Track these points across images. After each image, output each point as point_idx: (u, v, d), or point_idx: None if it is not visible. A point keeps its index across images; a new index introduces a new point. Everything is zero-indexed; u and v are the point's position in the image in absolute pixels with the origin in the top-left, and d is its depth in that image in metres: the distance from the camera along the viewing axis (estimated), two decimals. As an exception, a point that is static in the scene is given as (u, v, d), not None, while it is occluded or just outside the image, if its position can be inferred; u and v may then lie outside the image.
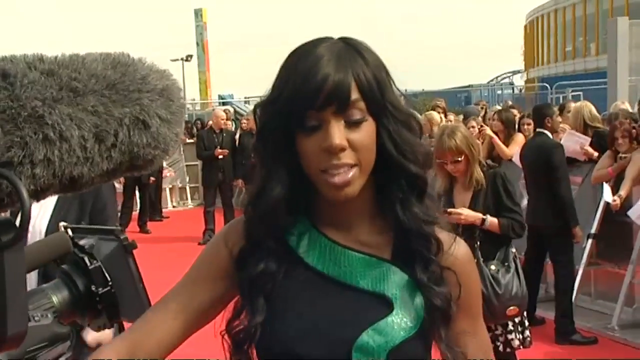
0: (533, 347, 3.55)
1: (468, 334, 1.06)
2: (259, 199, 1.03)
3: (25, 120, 0.61)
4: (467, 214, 3.30)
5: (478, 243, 3.28)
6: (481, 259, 3.25)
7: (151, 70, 0.71)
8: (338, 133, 0.96)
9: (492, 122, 6.84)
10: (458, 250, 1.06)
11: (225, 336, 1.06)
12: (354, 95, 0.97)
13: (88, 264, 0.87)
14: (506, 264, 3.34)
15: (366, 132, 0.99)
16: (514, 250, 3.44)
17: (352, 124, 0.98)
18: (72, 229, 0.91)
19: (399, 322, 0.99)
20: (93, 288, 0.87)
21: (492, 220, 3.32)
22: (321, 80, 0.96)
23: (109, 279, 0.88)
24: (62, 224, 0.99)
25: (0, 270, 0.62)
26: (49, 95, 0.63)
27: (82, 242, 0.90)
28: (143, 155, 0.70)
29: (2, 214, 0.65)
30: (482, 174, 3.35)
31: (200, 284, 1.07)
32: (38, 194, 0.65)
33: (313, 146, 0.97)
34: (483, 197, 3.35)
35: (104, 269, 0.88)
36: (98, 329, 0.91)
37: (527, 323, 3.47)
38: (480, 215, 3.32)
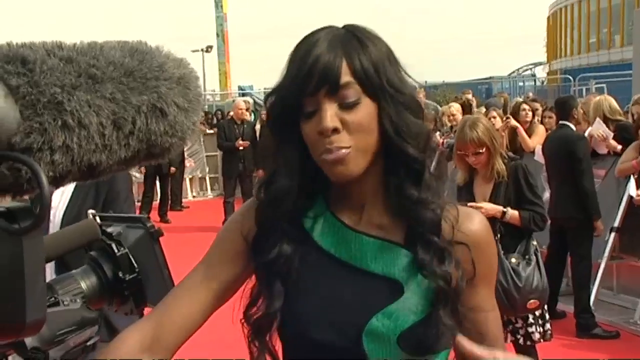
0: (554, 340, 3.53)
1: (484, 308, 1.07)
2: (269, 184, 1.05)
3: (45, 107, 0.61)
4: (488, 207, 3.26)
5: (498, 236, 3.24)
6: (501, 252, 3.22)
7: (168, 59, 0.72)
8: (330, 115, 0.97)
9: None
10: (470, 224, 1.06)
11: (245, 323, 1.06)
12: (346, 76, 0.98)
13: (115, 250, 0.88)
14: (527, 256, 3.31)
15: (363, 114, 0.99)
16: (535, 243, 3.40)
17: (346, 106, 0.98)
18: (101, 217, 0.92)
19: (409, 306, 0.99)
20: (120, 274, 0.88)
21: (512, 213, 3.29)
22: (312, 64, 0.98)
23: (135, 265, 0.89)
24: (90, 211, 1.00)
25: (19, 256, 0.62)
26: (67, 81, 0.63)
27: (109, 230, 0.91)
28: (160, 143, 0.70)
29: (19, 202, 0.65)
30: (503, 165, 3.31)
31: (218, 264, 1.08)
32: (57, 181, 0.65)
33: (311, 131, 0.99)
34: (504, 189, 3.32)
35: (130, 256, 0.89)
36: (125, 314, 0.92)
37: (547, 316, 3.44)
38: (500, 208, 3.29)
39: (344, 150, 0.98)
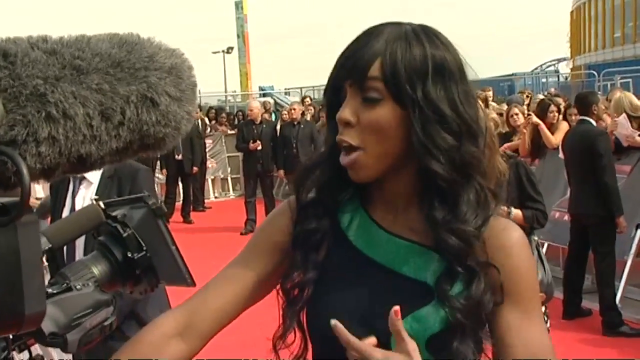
0: (580, 338, 3.48)
1: (514, 330, 0.99)
2: (313, 165, 1.08)
3: (28, 99, 0.61)
4: None
5: None
6: None
7: (160, 49, 0.71)
8: (348, 107, 0.98)
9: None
10: (504, 236, 1.02)
11: (281, 293, 1.08)
12: (373, 72, 0.97)
13: (122, 232, 0.90)
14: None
15: (381, 115, 0.97)
16: (535, 238, 3.38)
17: (367, 102, 0.98)
18: (104, 203, 0.93)
19: (439, 312, 0.98)
20: (129, 254, 0.89)
21: (516, 213, 3.25)
22: (350, 53, 0.99)
23: (142, 244, 0.90)
24: (93, 196, 1.02)
25: (15, 249, 0.62)
26: (51, 73, 0.63)
27: (114, 213, 0.92)
28: (154, 133, 0.70)
29: (9, 197, 0.65)
30: (504, 164, 3.25)
31: (257, 256, 1.09)
32: (46, 173, 0.65)
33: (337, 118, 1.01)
34: (505, 187, 3.23)
35: (137, 235, 0.90)
36: (140, 294, 0.93)
37: (546, 309, 3.40)
38: (504, 208, 3.23)
39: (354, 155, 0.98)
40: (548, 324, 3.35)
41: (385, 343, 0.97)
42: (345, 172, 1.02)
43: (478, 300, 0.97)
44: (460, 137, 0.98)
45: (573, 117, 6.07)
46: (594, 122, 4.94)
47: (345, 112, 0.98)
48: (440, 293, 0.98)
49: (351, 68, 0.98)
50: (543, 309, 3.31)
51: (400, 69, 0.97)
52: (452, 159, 0.97)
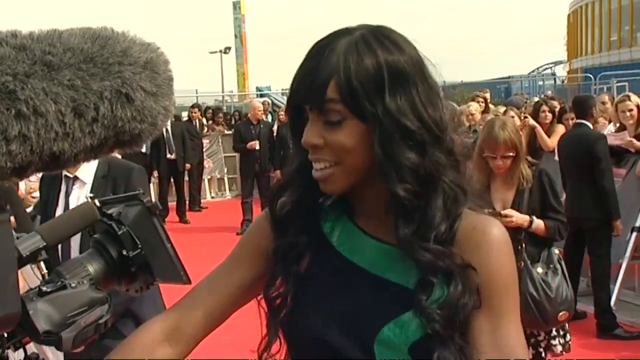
0: (574, 341, 3.48)
1: (486, 333, 0.95)
2: (285, 184, 1.06)
3: None
4: (518, 217, 3.08)
5: (523, 245, 3.08)
6: (528, 262, 3.08)
7: (134, 43, 0.70)
8: (310, 131, 0.96)
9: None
10: (483, 232, 0.98)
11: (263, 302, 1.07)
12: (330, 94, 0.93)
13: (117, 230, 0.89)
14: (552, 265, 3.14)
15: (347, 134, 0.95)
16: (557, 251, 3.24)
17: (330, 124, 0.95)
18: (100, 201, 0.93)
19: (418, 319, 0.96)
20: (124, 252, 0.89)
21: (538, 223, 3.11)
22: (301, 77, 0.96)
23: (137, 241, 0.90)
24: (88, 194, 1.01)
25: None
26: (20, 69, 0.62)
27: (110, 211, 0.92)
28: (129, 129, 0.69)
29: None
30: (529, 170, 3.13)
31: (243, 261, 1.09)
32: (19, 171, 0.64)
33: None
34: (527, 196, 3.12)
35: (132, 233, 0.89)
36: (136, 292, 0.93)
37: (567, 326, 3.31)
38: (527, 217, 3.11)
39: (326, 170, 0.97)
40: (568, 337, 3.26)
41: (369, 348, 0.97)
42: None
43: (456, 305, 0.94)
44: (425, 147, 0.95)
45: (570, 122, 6.06)
46: (591, 126, 4.95)
47: (310, 137, 0.96)
48: (416, 303, 0.96)
49: (307, 93, 0.95)
50: (567, 325, 3.21)
51: (356, 86, 0.92)
52: (417, 174, 0.95)
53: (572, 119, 5.81)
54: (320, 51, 0.95)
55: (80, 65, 0.65)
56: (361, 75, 0.93)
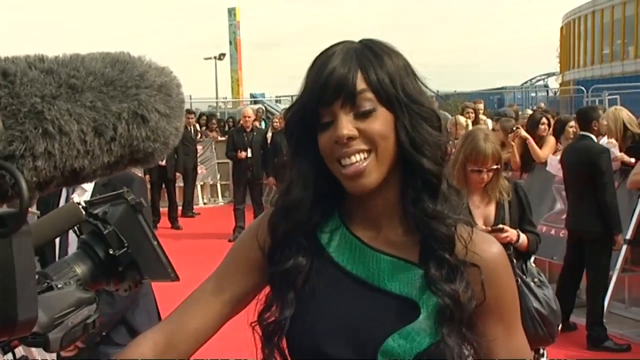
0: (565, 352, 3.49)
1: (499, 342, 1.03)
2: (285, 195, 1.06)
3: (26, 116, 0.64)
4: (511, 232, 3.00)
5: (514, 260, 3.00)
6: (524, 277, 3.04)
7: (150, 67, 0.74)
8: (346, 124, 0.99)
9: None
10: (487, 247, 1.04)
11: (257, 327, 1.07)
12: (360, 85, 0.99)
13: (102, 229, 0.90)
14: (535, 279, 3.11)
15: (379, 121, 1.00)
16: (533, 264, 3.21)
17: (362, 115, 0.99)
18: (87, 202, 0.94)
19: (425, 328, 0.98)
20: (111, 251, 0.90)
21: (524, 239, 3.05)
22: (327, 76, 0.99)
23: (124, 240, 0.91)
24: (74, 197, 1.01)
25: (9, 258, 0.64)
26: (48, 92, 0.66)
27: (96, 211, 0.93)
28: (143, 148, 0.73)
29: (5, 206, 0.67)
30: (507, 183, 3.07)
31: (232, 275, 1.09)
32: (41, 186, 0.68)
33: (327, 141, 1.00)
34: (507, 210, 3.04)
35: (117, 232, 0.91)
36: (125, 292, 0.93)
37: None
38: (516, 232, 3.04)
39: (366, 163, 0.99)
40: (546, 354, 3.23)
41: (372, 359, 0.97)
42: (325, 192, 1.04)
43: (460, 296, 0.99)
44: (439, 128, 1.04)
45: (571, 130, 6.02)
46: (594, 138, 4.96)
47: (345, 130, 0.99)
48: (431, 279, 1.00)
49: (336, 89, 0.98)
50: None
51: (382, 77, 1.00)
52: (437, 152, 1.02)
53: (575, 127, 5.80)
54: (328, 57, 1.01)
55: (101, 88, 0.69)
56: (381, 67, 1.01)
